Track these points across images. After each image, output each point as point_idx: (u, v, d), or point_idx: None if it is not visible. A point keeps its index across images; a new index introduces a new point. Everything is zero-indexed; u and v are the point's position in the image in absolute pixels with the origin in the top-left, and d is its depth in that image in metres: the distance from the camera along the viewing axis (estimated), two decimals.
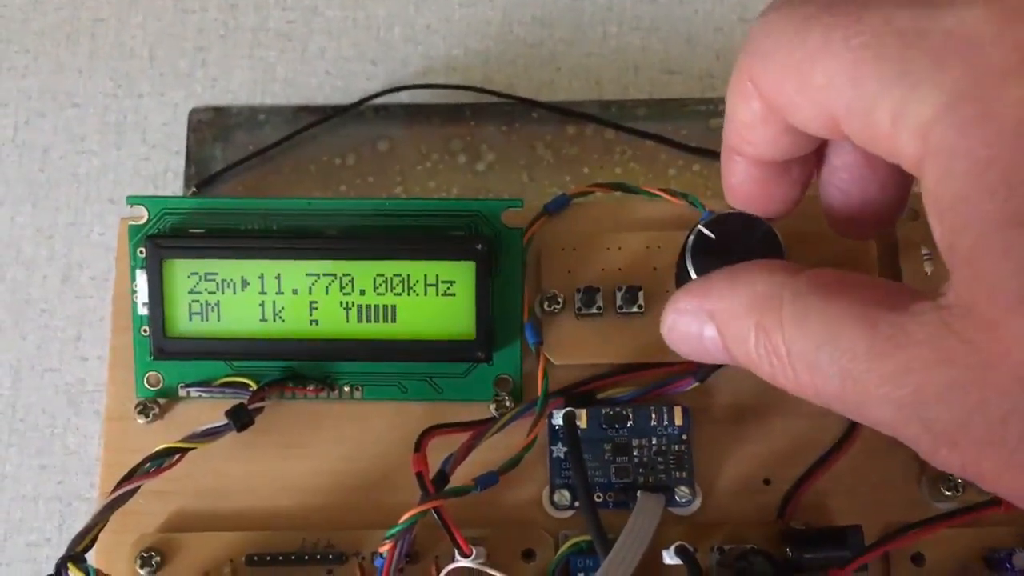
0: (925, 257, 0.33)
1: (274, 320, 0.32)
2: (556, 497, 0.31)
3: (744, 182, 0.26)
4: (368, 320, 0.31)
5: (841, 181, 0.26)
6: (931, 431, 0.19)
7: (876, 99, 0.19)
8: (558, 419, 0.32)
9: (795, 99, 0.22)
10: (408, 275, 0.31)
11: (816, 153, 0.26)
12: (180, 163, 0.42)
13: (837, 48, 0.20)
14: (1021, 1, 0.18)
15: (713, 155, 0.40)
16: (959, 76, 0.18)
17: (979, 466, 0.19)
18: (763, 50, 0.22)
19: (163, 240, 0.31)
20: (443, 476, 0.29)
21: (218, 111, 0.43)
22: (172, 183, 0.42)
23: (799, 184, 0.26)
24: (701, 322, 0.24)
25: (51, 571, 0.29)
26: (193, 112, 0.43)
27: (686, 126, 0.42)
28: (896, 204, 0.26)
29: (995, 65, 0.18)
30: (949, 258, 0.19)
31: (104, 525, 0.29)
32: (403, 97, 0.43)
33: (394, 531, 0.28)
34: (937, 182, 0.19)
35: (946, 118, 0.18)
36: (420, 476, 0.29)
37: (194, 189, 0.41)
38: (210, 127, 0.43)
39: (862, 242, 0.33)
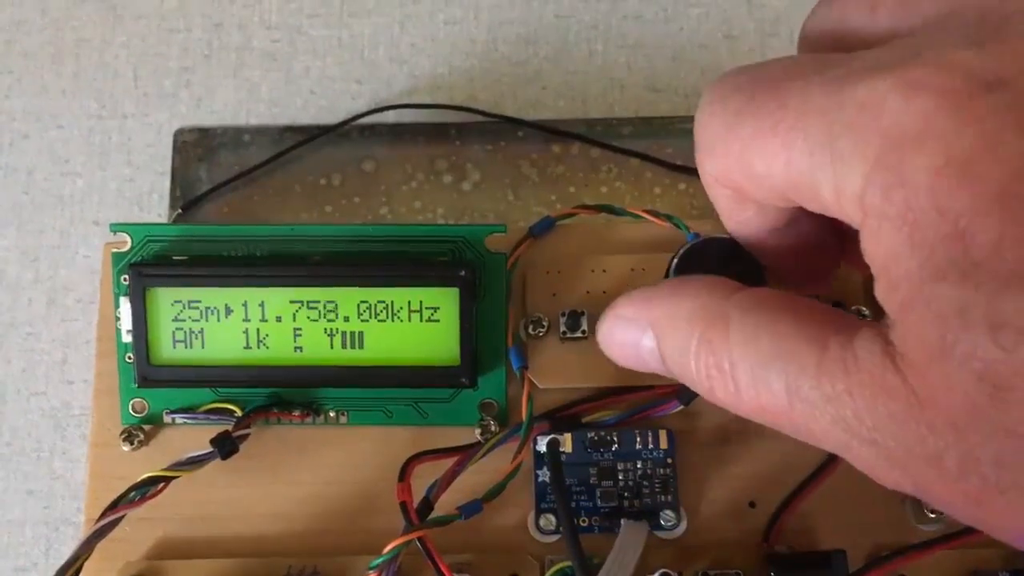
0: None
1: (258, 347, 0.32)
2: (542, 522, 0.31)
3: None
4: (352, 346, 0.31)
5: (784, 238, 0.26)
6: (880, 452, 0.20)
7: (815, 176, 0.21)
8: (543, 445, 0.32)
9: (746, 185, 0.23)
10: (392, 302, 0.31)
11: None
12: (165, 184, 0.42)
13: (767, 136, 0.21)
14: (921, 73, 0.19)
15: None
16: (877, 145, 0.19)
17: (929, 490, 0.20)
18: (706, 145, 0.23)
19: (146, 268, 0.31)
20: (427, 503, 0.29)
21: (203, 132, 0.43)
22: (157, 204, 0.42)
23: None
24: (640, 330, 0.25)
25: None
26: (178, 133, 0.43)
27: (672, 144, 0.42)
28: (833, 259, 0.27)
29: (905, 134, 0.19)
30: (888, 311, 0.20)
31: (89, 555, 0.29)
32: (388, 117, 0.43)
33: (377, 562, 0.28)
34: (872, 243, 0.20)
35: (871, 186, 0.19)
36: (404, 506, 0.29)
37: (180, 210, 0.41)
38: (195, 148, 0.42)
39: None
